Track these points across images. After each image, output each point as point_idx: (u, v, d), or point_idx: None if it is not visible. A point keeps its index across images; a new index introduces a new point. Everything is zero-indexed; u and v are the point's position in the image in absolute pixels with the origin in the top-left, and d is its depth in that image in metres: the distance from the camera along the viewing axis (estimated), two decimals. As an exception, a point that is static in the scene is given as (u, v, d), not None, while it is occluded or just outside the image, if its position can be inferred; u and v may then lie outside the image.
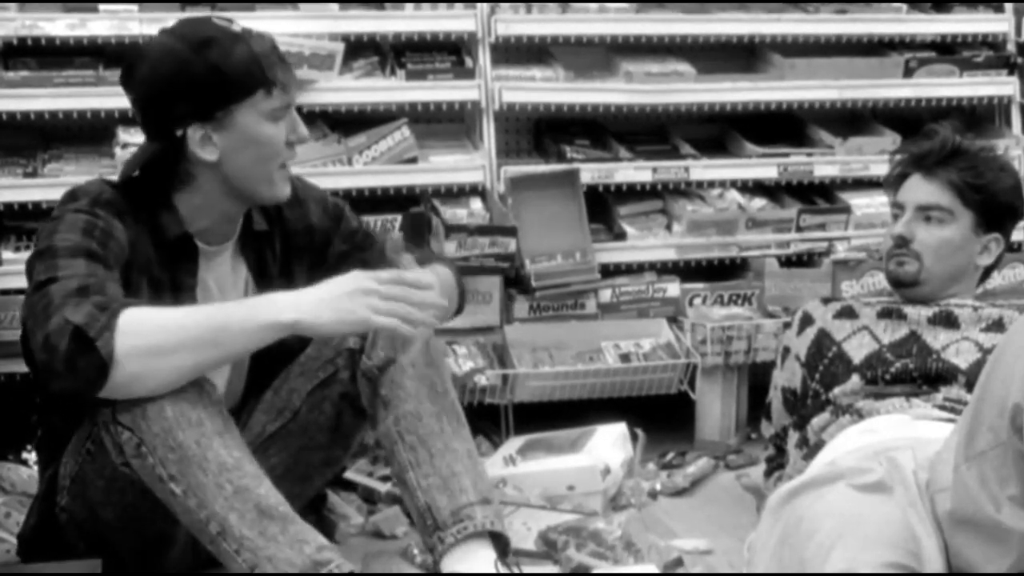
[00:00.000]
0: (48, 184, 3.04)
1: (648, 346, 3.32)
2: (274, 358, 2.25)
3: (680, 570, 2.39)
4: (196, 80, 2.08)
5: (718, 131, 3.75)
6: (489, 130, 3.39)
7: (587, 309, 3.35)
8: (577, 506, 2.65)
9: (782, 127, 3.72)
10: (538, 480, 2.74)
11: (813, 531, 1.90)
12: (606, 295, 3.36)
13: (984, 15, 3.77)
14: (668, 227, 3.51)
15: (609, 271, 3.40)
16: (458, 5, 3.38)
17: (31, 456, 2.87)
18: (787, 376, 2.60)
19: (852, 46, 3.73)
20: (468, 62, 3.39)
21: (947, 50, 3.77)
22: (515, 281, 3.30)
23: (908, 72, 3.66)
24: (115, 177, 2.24)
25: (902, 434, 2.16)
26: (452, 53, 3.41)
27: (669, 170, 3.48)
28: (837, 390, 2.41)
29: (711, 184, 3.58)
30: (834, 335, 2.50)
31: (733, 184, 3.60)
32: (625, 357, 3.29)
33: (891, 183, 2.59)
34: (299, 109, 2.24)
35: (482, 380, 3.14)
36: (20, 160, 3.17)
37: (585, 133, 3.60)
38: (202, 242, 2.23)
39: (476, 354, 3.21)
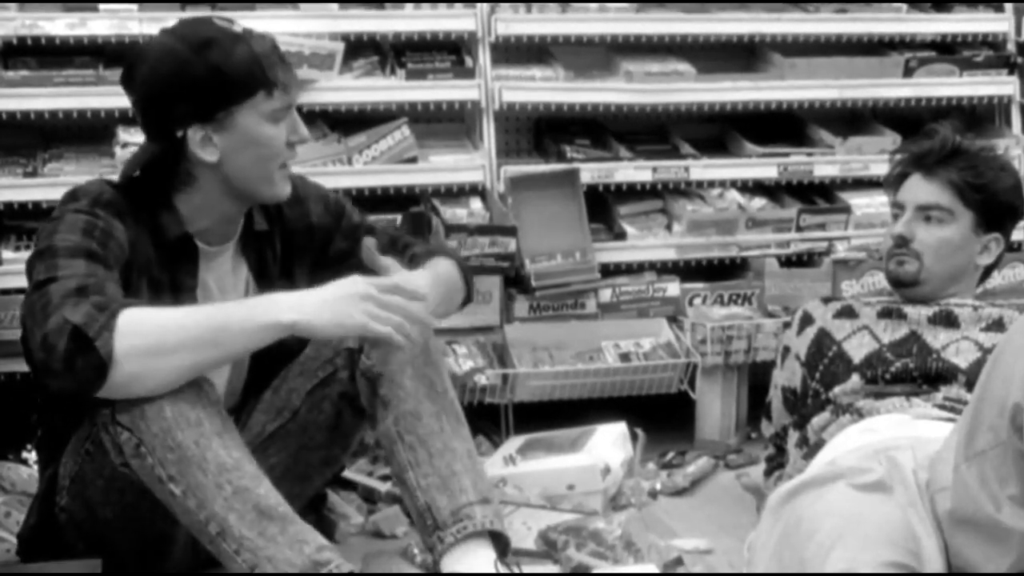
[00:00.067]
0: (48, 184, 3.04)
1: (648, 346, 3.32)
2: (274, 358, 2.25)
3: (680, 570, 2.39)
4: (196, 81, 2.08)
5: (718, 131, 3.75)
6: (489, 130, 3.39)
7: (587, 309, 3.34)
8: (577, 506, 2.64)
9: (782, 127, 3.71)
10: (538, 480, 2.74)
11: (813, 531, 1.90)
12: (606, 295, 3.35)
13: (984, 15, 3.76)
14: (668, 227, 3.51)
15: (609, 271, 3.40)
16: (458, 5, 3.38)
17: (31, 456, 2.87)
18: (787, 375, 2.60)
19: (852, 46, 3.73)
20: (468, 62, 3.39)
21: (947, 50, 3.76)
22: (515, 281, 3.29)
23: (908, 72, 3.66)
24: (115, 177, 2.24)
25: (902, 433, 2.16)
26: (452, 53, 3.41)
27: (669, 170, 3.47)
28: (837, 389, 2.41)
29: (711, 184, 3.58)
30: (834, 334, 2.50)
31: (733, 184, 3.59)
32: (625, 357, 3.29)
33: (891, 183, 2.59)
34: (299, 109, 2.24)
35: (482, 380, 3.14)
36: (20, 160, 3.16)
37: (585, 133, 3.59)
38: (202, 242, 2.23)
39: (476, 354, 3.21)
